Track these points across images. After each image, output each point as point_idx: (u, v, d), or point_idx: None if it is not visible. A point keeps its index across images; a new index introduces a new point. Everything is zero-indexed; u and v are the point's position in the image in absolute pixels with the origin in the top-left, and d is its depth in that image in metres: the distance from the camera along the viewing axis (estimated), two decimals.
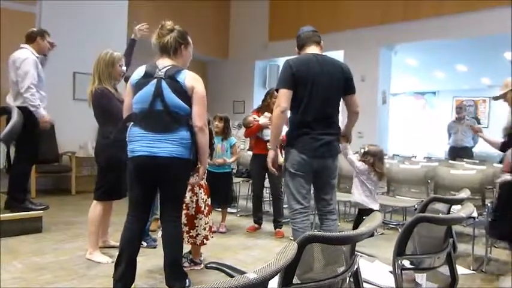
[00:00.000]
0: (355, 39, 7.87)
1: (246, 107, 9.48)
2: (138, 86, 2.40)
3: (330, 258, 1.22)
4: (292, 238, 3.14)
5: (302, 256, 1.06)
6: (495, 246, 3.86)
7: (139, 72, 2.45)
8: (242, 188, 5.57)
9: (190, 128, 2.38)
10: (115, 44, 4.65)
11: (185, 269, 2.74)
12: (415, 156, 7.07)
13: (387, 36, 7.65)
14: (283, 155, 3.08)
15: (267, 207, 5.36)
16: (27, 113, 3.85)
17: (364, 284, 1.35)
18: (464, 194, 2.12)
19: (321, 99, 2.71)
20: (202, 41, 7.97)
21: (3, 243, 3.34)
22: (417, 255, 1.67)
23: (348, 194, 3.86)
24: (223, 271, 1.31)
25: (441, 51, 8.44)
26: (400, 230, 1.86)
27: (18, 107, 3.68)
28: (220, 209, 4.44)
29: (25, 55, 4.04)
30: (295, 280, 1.07)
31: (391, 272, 1.56)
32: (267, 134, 4.19)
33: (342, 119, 3.02)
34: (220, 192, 4.14)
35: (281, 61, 7.80)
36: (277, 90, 2.83)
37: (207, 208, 3.05)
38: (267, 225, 4.51)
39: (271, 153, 2.91)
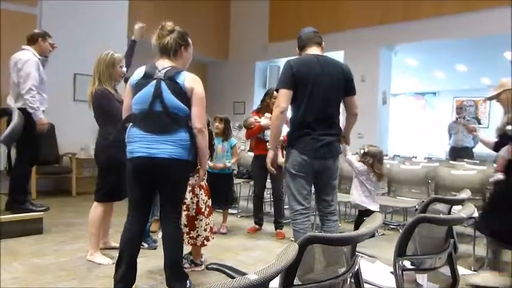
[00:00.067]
0: (355, 40, 7.87)
1: (247, 108, 9.48)
2: (138, 87, 2.40)
3: (330, 259, 1.22)
4: (293, 239, 3.14)
5: (303, 257, 1.06)
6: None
7: (138, 73, 2.45)
8: (243, 188, 5.57)
9: (189, 129, 2.38)
10: (115, 44, 4.66)
11: (186, 270, 2.74)
12: (416, 157, 7.08)
13: (387, 36, 7.64)
14: (284, 156, 3.08)
15: (268, 208, 5.36)
16: (27, 115, 3.86)
17: (365, 285, 1.34)
18: (465, 194, 2.11)
19: (321, 99, 2.70)
20: (202, 42, 7.98)
21: (4, 244, 3.34)
22: (418, 256, 1.67)
23: (349, 195, 3.86)
24: (224, 272, 1.31)
25: (441, 51, 8.43)
26: (400, 230, 1.87)
27: (19, 109, 3.69)
28: (220, 210, 4.44)
29: (27, 56, 4.04)
30: (296, 281, 1.07)
31: (392, 272, 1.56)
32: (268, 134, 4.19)
33: (343, 120, 3.02)
34: (221, 193, 4.14)
35: (281, 62, 7.81)
36: (277, 91, 2.82)
37: (207, 209, 3.05)
38: (268, 226, 4.51)
39: (270, 153, 2.92)
